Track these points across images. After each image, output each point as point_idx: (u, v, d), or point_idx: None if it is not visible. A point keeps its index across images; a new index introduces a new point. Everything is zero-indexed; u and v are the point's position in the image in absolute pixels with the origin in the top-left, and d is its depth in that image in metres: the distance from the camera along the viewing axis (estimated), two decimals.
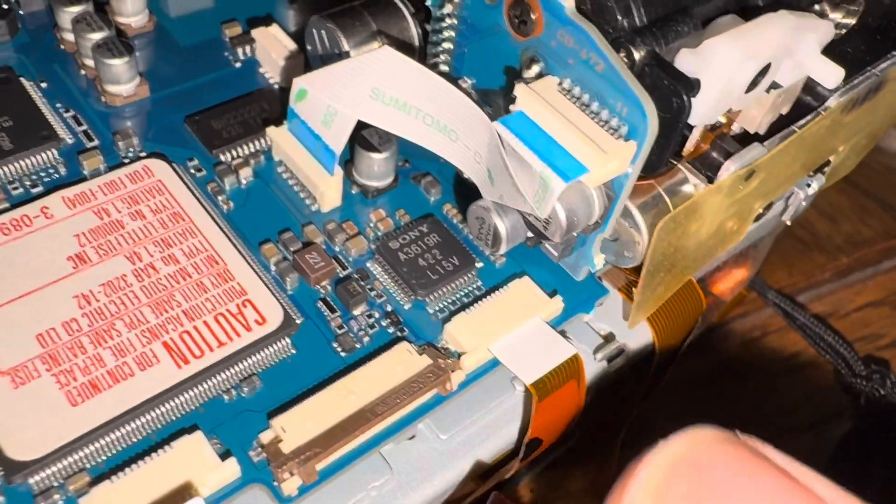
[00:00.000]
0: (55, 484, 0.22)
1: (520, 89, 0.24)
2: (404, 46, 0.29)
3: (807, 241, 0.47)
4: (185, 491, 0.22)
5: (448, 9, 0.26)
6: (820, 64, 0.26)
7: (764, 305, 0.44)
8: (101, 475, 0.22)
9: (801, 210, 0.35)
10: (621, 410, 0.34)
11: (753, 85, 0.25)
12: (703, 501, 0.14)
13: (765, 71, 0.25)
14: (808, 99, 0.29)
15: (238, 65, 0.33)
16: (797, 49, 0.26)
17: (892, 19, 0.31)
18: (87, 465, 0.23)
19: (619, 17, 0.23)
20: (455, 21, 0.27)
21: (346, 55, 0.28)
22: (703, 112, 0.24)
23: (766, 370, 0.42)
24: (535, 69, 0.24)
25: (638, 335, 0.29)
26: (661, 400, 0.40)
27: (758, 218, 0.31)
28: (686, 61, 0.23)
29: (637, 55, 0.23)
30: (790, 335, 0.43)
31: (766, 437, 0.40)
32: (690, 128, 0.25)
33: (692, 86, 0.23)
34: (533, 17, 0.24)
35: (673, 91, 0.22)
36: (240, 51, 0.33)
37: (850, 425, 0.39)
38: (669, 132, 0.23)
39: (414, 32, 0.29)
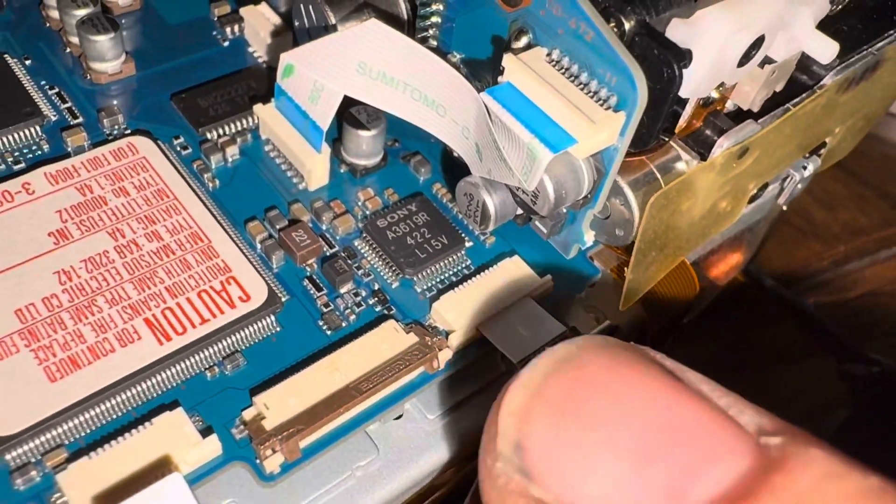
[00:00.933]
0: (32, 460, 0.22)
1: (508, 59, 0.23)
2: (392, 20, 0.28)
3: (804, 230, 0.47)
4: (165, 467, 0.21)
5: None
6: (814, 38, 0.26)
7: (761, 293, 0.43)
8: (79, 451, 0.22)
9: (797, 193, 0.35)
10: None
11: (746, 58, 0.24)
12: (581, 397, 0.14)
13: (758, 44, 0.24)
14: (804, 77, 0.29)
15: (226, 44, 0.33)
16: (791, 22, 0.25)
17: None
18: (66, 441, 0.22)
19: None
20: None
21: (333, 29, 0.28)
22: (694, 84, 0.23)
23: (762, 359, 0.41)
24: (523, 40, 0.24)
25: (629, 316, 0.29)
26: None
27: (752, 199, 0.31)
28: (678, 31, 0.23)
29: (627, 25, 0.22)
30: (787, 323, 0.43)
31: None
32: (683, 103, 0.25)
33: (683, 56, 0.22)
34: None
35: (664, 61, 0.22)
36: (228, 30, 0.33)
37: (847, 413, 0.39)
38: (660, 104, 0.23)
39: (402, 6, 0.28)
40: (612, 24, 0.22)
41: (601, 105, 0.22)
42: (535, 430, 0.14)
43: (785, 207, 0.35)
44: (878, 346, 0.42)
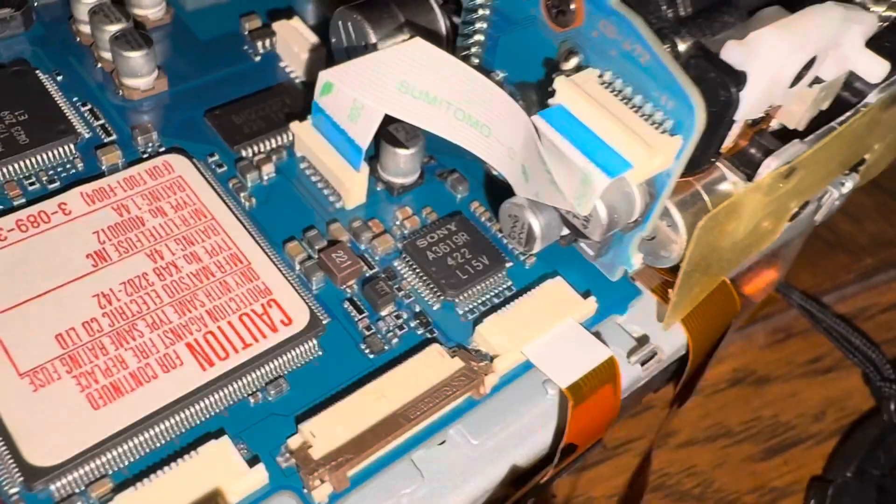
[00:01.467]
0: (77, 490, 0.21)
1: (560, 82, 0.23)
2: (432, 38, 0.28)
3: (831, 242, 0.47)
4: (213, 498, 0.21)
5: None
6: (865, 57, 0.25)
7: (788, 307, 0.43)
8: (124, 481, 0.22)
9: (834, 210, 0.35)
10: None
11: (798, 79, 0.24)
12: None
13: (810, 64, 0.24)
14: (846, 94, 0.28)
15: (258, 58, 0.33)
16: (842, 42, 0.25)
17: None
18: (110, 471, 0.22)
19: (663, 7, 0.22)
20: (488, 12, 0.26)
21: (374, 48, 0.28)
22: (748, 106, 0.23)
23: (790, 373, 0.41)
24: (573, 61, 0.24)
25: (672, 337, 0.28)
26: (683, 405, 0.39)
27: (793, 217, 0.30)
28: (733, 53, 0.22)
29: (682, 46, 0.22)
30: (815, 337, 0.42)
31: (790, 443, 0.39)
32: (733, 122, 0.24)
33: (740, 79, 0.22)
34: (572, 6, 0.23)
35: (720, 84, 0.22)
36: (259, 44, 0.33)
37: (876, 429, 0.38)
38: (716, 127, 0.22)
39: (442, 24, 0.28)
40: (667, 46, 0.22)
41: (656, 129, 0.22)
42: None
43: (818, 223, 0.35)
44: None
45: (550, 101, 0.23)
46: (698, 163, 0.24)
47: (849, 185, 0.33)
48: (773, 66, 0.22)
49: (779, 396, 0.40)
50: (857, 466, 0.37)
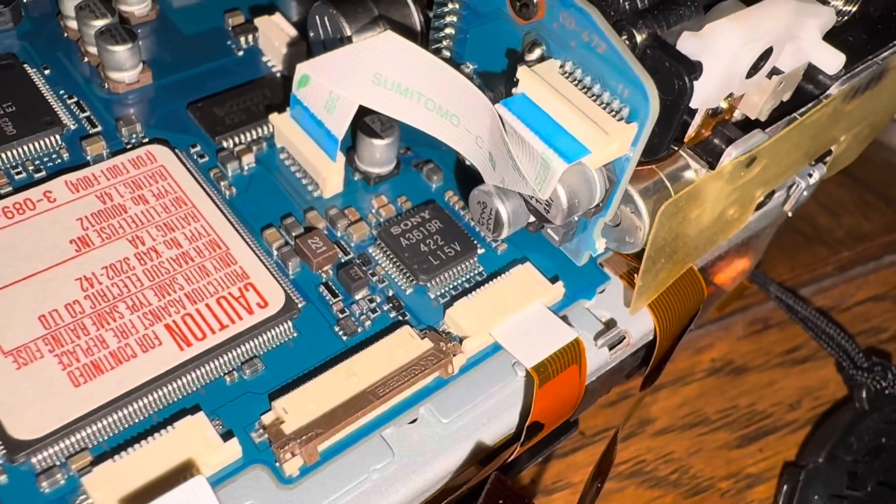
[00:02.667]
0: (57, 463, 0.22)
1: (522, 72, 0.24)
2: (406, 31, 0.29)
3: (808, 235, 0.47)
4: (188, 470, 0.22)
5: None
6: (821, 49, 0.26)
7: (765, 298, 0.44)
8: (103, 454, 0.23)
9: (803, 200, 0.35)
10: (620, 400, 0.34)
11: (755, 69, 0.25)
12: None
13: (766, 55, 0.25)
14: (810, 87, 0.29)
15: (240, 53, 0.33)
16: (798, 34, 0.26)
17: (893, 8, 0.31)
18: (90, 445, 0.23)
19: (622, 0, 0.23)
20: (457, 6, 0.27)
21: (349, 40, 0.28)
22: (704, 95, 0.24)
23: (767, 363, 0.42)
24: (536, 52, 0.24)
25: (639, 322, 0.29)
26: (661, 393, 0.40)
27: (759, 206, 0.31)
28: (688, 44, 0.23)
29: (639, 38, 0.23)
30: (792, 328, 0.43)
31: (766, 431, 0.40)
32: (692, 113, 0.25)
33: (694, 68, 0.23)
34: (535, 0, 0.24)
35: (675, 73, 0.23)
36: (242, 39, 0.34)
37: (850, 418, 0.39)
38: (671, 115, 0.23)
39: (416, 18, 0.29)
40: (625, 37, 0.23)
41: (614, 116, 0.23)
42: None
43: (790, 214, 0.36)
44: (882, 350, 0.43)
45: (514, 90, 0.24)
46: (657, 149, 0.24)
47: (816, 176, 0.33)
48: (727, 56, 0.23)
49: (756, 385, 0.41)
50: (829, 452, 0.37)
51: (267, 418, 0.24)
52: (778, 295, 0.43)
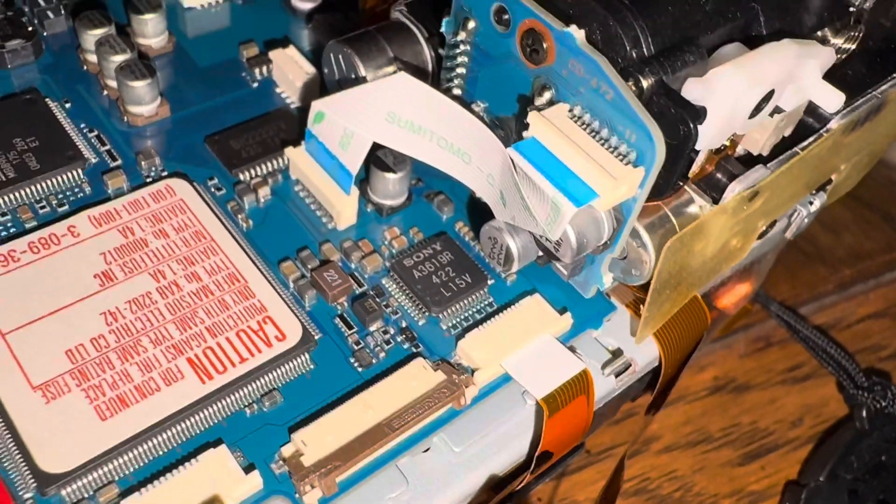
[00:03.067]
0: (86, 495, 0.23)
1: (532, 117, 0.24)
2: (418, 71, 0.30)
3: (809, 254, 0.48)
4: (212, 502, 0.23)
5: (462, 36, 0.27)
6: (822, 89, 0.27)
7: (766, 317, 0.44)
8: (129, 487, 0.23)
9: (804, 227, 0.36)
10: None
11: (757, 110, 0.26)
12: None
13: (768, 97, 0.26)
14: (810, 120, 0.30)
15: (255, 85, 0.34)
16: (799, 75, 0.26)
17: (891, 42, 0.32)
18: (117, 478, 0.24)
19: (628, 48, 0.24)
20: (468, 47, 0.27)
21: (363, 80, 0.29)
22: (709, 137, 0.25)
23: (769, 381, 0.42)
24: (546, 96, 0.25)
25: (645, 350, 0.30)
26: (665, 411, 0.41)
27: (761, 235, 0.32)
28: (693, 90, 0.24)
29: (645, 84, 0.24)
30: (792, 347, 0.44)
31: (768, 448, 0.40)
32: (696, 152, 0.26)
33: (698, 114, 0.23)
34: (545, 46, 0.25)
35: (680, 119, 0.23)
36: (257, 71, 0.34)
37: (851, 436, 0.40)
38: (676, 158, 0.24)
39: (428, 57, 0.30)
40: (631, 83, 0.24)
41: (621, 160, 0.24)
42: None
43: (791, 238, 0.37)
44: (882, 368, 0.43)
45: (525, 133, 0.25)
46: (662, 190, 0.25)
47: (817, 204, 0.34)
48: (730, 100, 0.24)
49: (758, 403, 0.42)
50: (830, 471, 0.38)
51: (286, 450, 0.24)
52: (779, 313, 0.44)
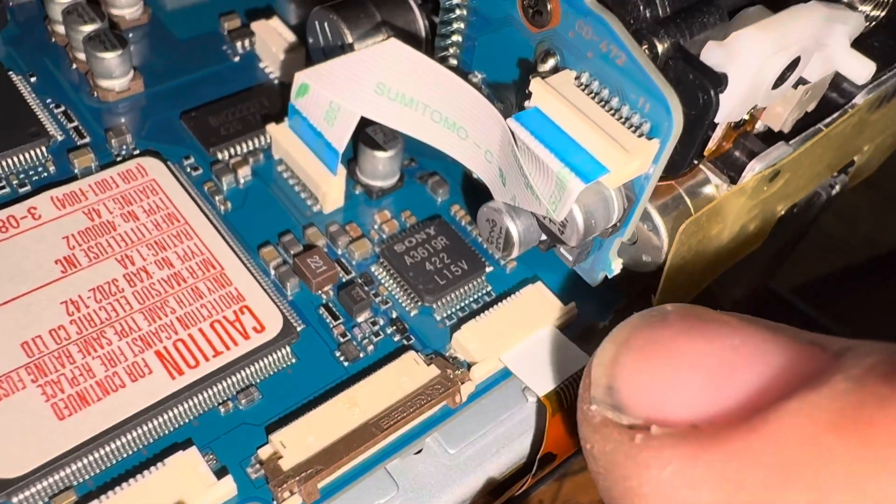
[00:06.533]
0: (40, 503, 0.21)
1: (535, 84, 0.22)
2: (410, 39, 0.28)
3: (823, 244, 0.46)
4: None
5: None
6: (850, 58, 0.25)
7: (780, 307, 0.42)
8: (88, 493, 0.21)
9: (823, 211, 0.34)
10: None
11: (781, 80, 0.23)
12: (663, 340, 0.15)
13: (794, 65, 0.23)
14: (835, 96, 0.28)
15: (237, 59, 0.32)
16: (827, 42, 0.24)
17: None
18: (75, 483, 0.21)
19: (641, 8, 0.22)
20: (465, 12, 0.25)
21: (350, 48, 0.27)
22: (729, 108, 0.22)
23: None
24: (550, 63, 0.23)
25: None
26: None
27: (780, 220, 0.30)
28: (713, 54, 0.22)
29: (660, 47, 0.21)
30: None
31: None
32: (715, 125, 0.24)
33: (720, 80, 0.21)
34: (549, 7, 0.22)
35: (699, 86, 0.21)
36: (238, 44, 0.32)
37: None
38: (695, 130, 0.22)
39: (420, 24, 0.28)
40: (645, 47, 0.21)
41: (634, 132, 0.21)
42: (622, 371, 0.16)
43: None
44: None
45: (526, 103, 0.23)
46: (678, 166, 0.23)
47: (838, 188, 0.32)
48: (754, 67, 0.22)
49: None
50: None
51: (264, 453, 0.22)
52: (792, 304, 0.42)
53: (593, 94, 0.22)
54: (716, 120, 0.22)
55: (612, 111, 0.22)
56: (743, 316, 0.16)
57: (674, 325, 0.16)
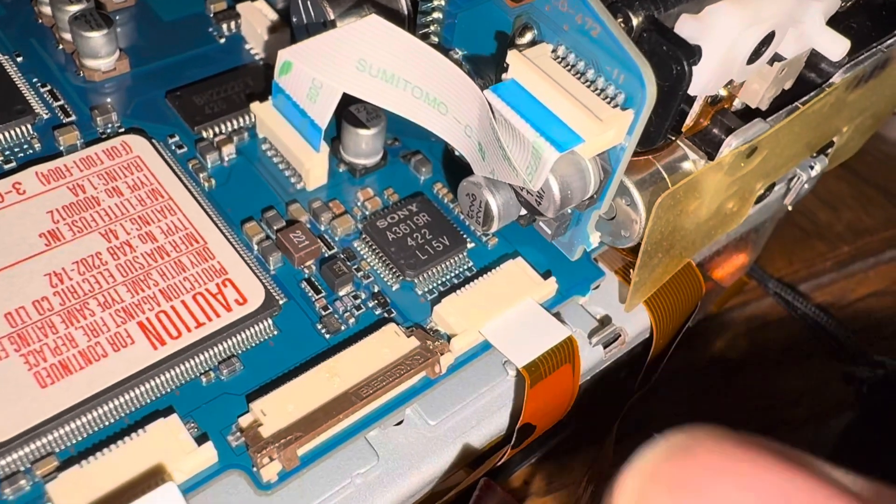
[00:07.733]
0: (21, 468, 0.21)
1: (512, 56, 0.22)
2: (392, 16, 0.28)
3: (807, 230, 0.46)
4: (159, 475, 0.21)
5: None
6: (825, 35, 0.25)
7: (764, 295, 0.43)
8: (70, 459, 0.21)
9: (804, 194, 0.34)
10: (618, 399, 0.33)
11: (756, 55, 0.24)
12: (696, 479, 0.14)
13: (768, 40, 0.24)
14: (812, 75, 0.28)
15: (222, 40, 0.32)
16: (801, 18, 0.25)
17: None
18: (56, 449, 0.22)
19: None
20: None
21: (332, 25, 0.27)
22: (703, 82, 0.23)
23: (765, 361, 0.41)
24: (528, 36, 0.23)
25: (635, 319, 0.28)
26: (659, 390, 0.39)
27: (759, 200, 0.30)
28: (687, 27, 0.22)
29: (635, 20, 0.22)
30: (791, 325, 0.42)
31: (764, 430, 0.39)
32: (690, 101, 0.24)
33: (693, 52, 0.21)
34: None
35: (672, 57, 0.21)
36: (224, 26, 0.32)
37: (851, 416, 0.38)
38: (669, 101, 0.22)
39: (402, 2, 0.28)
40: (620, 20, 0.22)
41: (608, 103, 0.22)
42: None
43: (790, 208, 0.35)
44: (883, 347, 0.42)
45: (504, 75, 0.23)
46: (653, 138, 0.23)
47: (818, 168, 0.32)
48: (727, 40, 0.22)
49: (755, 383, 0.40)
50: (831, 452, 0.37)
51: (244, 421, 0.22)
52: (777, 291, 0.42)
53: (569, 67, 0.22)
54: (690, 93, 0.23)
55: (588, 83, 0.22)
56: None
57: (709, 460, 0.14)
